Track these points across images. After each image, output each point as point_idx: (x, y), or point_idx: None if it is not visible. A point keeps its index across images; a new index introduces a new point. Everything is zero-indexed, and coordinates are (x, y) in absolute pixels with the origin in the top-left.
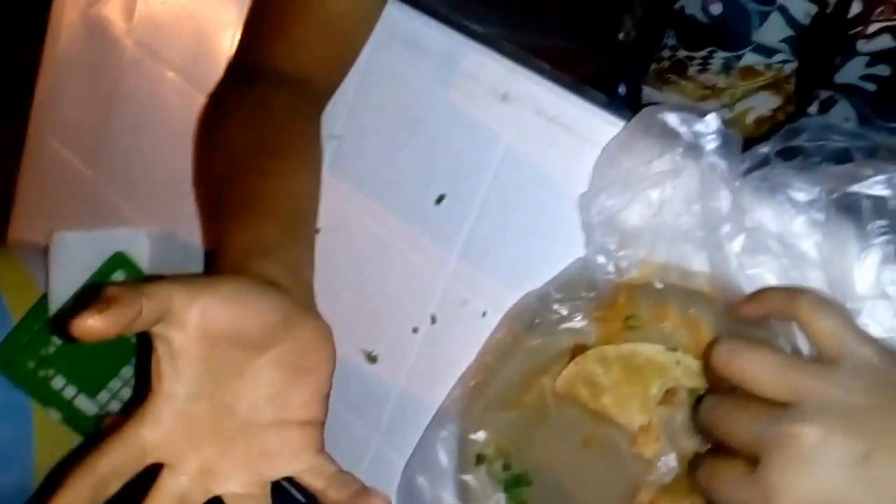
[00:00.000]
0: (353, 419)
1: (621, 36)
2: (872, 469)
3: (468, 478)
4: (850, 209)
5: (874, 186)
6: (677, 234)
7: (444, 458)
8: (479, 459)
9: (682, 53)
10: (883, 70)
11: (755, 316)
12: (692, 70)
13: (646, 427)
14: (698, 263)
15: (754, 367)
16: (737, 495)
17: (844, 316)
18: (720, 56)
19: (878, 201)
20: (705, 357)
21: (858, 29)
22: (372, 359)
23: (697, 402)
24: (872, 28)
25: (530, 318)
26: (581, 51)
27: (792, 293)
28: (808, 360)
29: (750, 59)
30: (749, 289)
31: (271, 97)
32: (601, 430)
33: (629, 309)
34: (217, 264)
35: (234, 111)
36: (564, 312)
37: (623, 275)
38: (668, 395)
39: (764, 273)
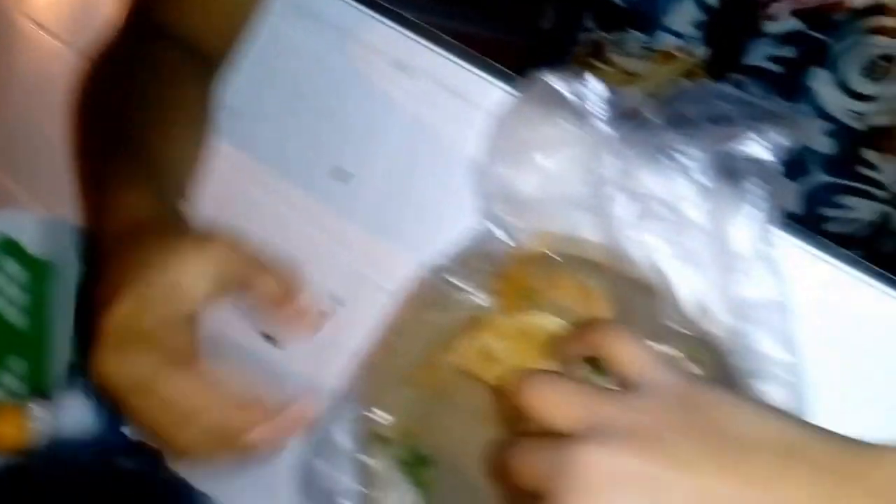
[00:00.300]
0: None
1: (542, 22)
2: (660, 491)
3: (369, 460)
4: (730, 171)
5: (751, 146)
6: (569, 203)
7: (344, 440)
8: (381, 440)
9: (598, 35)
10: (789, 52)
11: (576, 356)
12: (610, 53)
13: None
14: (591, 232)
15: (547, 399)
16: None
17: (642, 344)
18: (635, 38)
19: (757, 163)
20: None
21: (766, 11)
22: (271, 340)
23: None
24: (779, 10)
25: (429, 293)
26: (506, 39)
27: (587, 328)
28: (605, 390)
29: (664, 41)
30: (639, 255)
31: (160, 55)
32: (499, 405)
33: (525, 281)
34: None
35: (117, 68)
36: (462, 286)
37: (518, 245)
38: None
39: (653, 238)
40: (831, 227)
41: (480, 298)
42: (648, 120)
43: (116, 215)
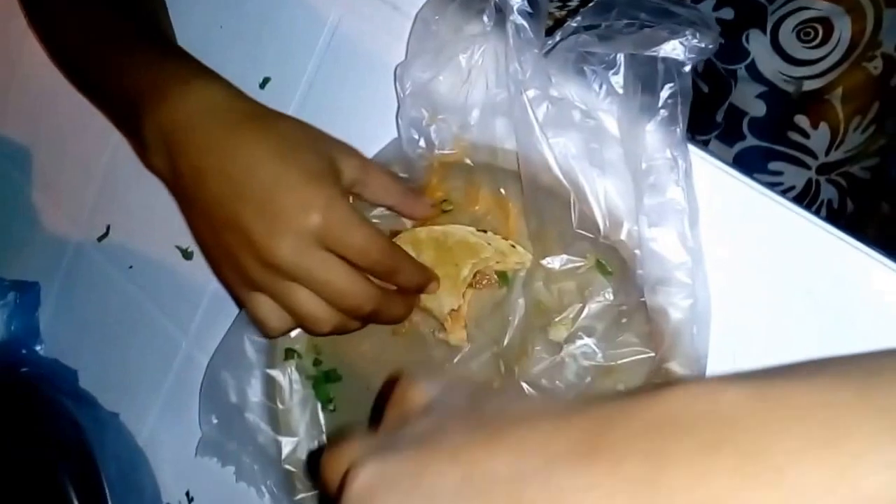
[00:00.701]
0: (165, 320)
1: None
2: (431, 483)
3: (275, 373)
4: (646, 75)
5: (669, 49)
6: (488, 107)
7: (251, 352)
8: (288, 354)
9: None
10: (727, 13)
11: None
12: None
13: (455, 312)
14: (509, 143)
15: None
16: None
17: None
18: None
19: (671, 64)
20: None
21: None
22: (187, 255)
23: None
24: None
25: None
26: None
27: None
28: None
29: None
30: (554, 161)
31: None
32: (411, 318)
33: (443, 191)
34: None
35: None
36: None
37: (434, 151)
38: (479, 278)
39: (565, 143)
40: None
41: None
42: (570, 25)
43: (184, 103)
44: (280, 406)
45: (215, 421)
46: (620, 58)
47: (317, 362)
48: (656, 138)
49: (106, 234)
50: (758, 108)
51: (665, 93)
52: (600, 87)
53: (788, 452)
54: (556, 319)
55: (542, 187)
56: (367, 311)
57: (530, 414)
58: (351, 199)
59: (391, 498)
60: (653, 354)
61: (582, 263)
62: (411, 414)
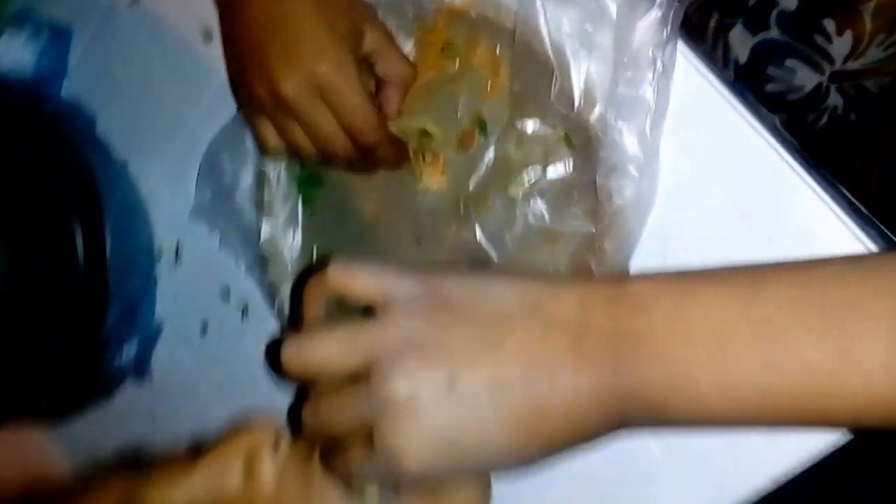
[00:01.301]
0: (179, 87)
1: None
2: (463, 390)
3: (267, 167)
4: None
5: None
6: None
7: (250, 142)
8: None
9: None
10: None
11: (313, 307)
12: None
13: (435, 163)
14: (513, 1)
15: (320, 353)
16: (367, 471)
17: (373, 264)
18: None
19: None
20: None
21: None
22: (208, 37)
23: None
24: None
25: None
26: None
27: (318, 276)
28: (367, 320)
29: None
30: (545, 29)
31: None
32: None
33: (447, 36)
34: None
35: None
36: (388, 25)
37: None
38: (465, 137)
39: (562, 17)
40: (769, 87)
41: (406, 44)
42: None
43: None
44: (266, 195)
45: (209, 194)
46: None
47: (304, 166)
48: (646, 34)
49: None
50: (790, 2)
51: None
52: None
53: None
54: (518, 177)
55: (531, 54)
56: (342, 160)
57: (511, 315)
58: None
59: (432, 408)
60: (592, 230)
61: (551, 132)
62: (378, 306)
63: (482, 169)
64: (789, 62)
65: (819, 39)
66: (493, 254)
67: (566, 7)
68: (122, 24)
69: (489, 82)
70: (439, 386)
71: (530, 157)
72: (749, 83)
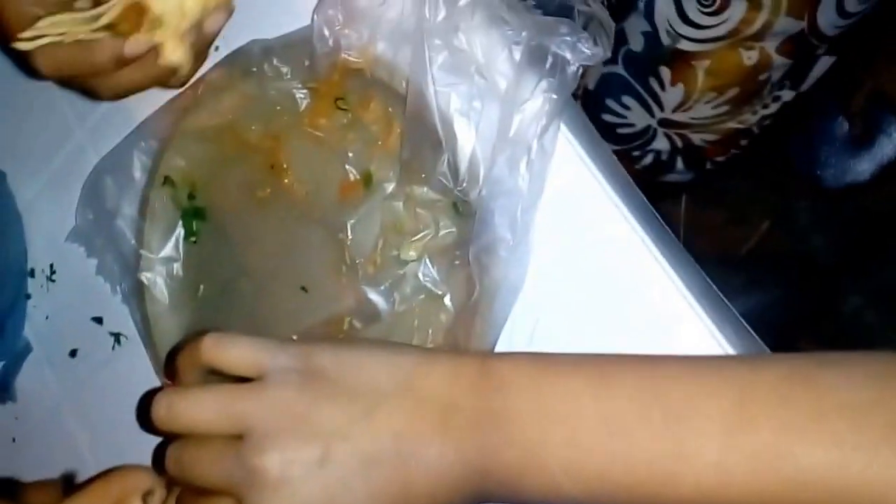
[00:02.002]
0: (66, 106)
1: None
2: (334, 464)
3: (152, 194)
4: (539, 57)
5: (561, 46)
6: (397, 31)
7: (137, 168)
8: (167, 181)
9: None
10: None
11: (187, 375)
12: None
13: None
14: (407, 66)
15: (191, 413)
16: None
17: (247, 338)
18: None
19: (560, 60)
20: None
21: None
22: None
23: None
24: None
25: (250, 65)
26: None
27: (192, 346)
28: (243, 387)
29: None
30: (434, 102)
31: None
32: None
33: (341, 89)
34: None
35: None
36: (283, 70)
37: (341, 52)
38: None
39: (452, 93)
40: (605, 116)
41: (298, 91)
42: None
43: None
44: (148, 224)
45: (90, 216)
46: (524, 33)
47: (190, 196)
48: (524, 120)
49: None
50: (637, 43)
51: (544, 84)
52: (502, 49)
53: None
54: (412, 239)
55: (422, 123)
56: None
57: (383, 390)
58: None
59: (299, 482)
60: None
61: (441, 199)
62: (255, 376)
63: (370, 224)
64: (626, 99)
65: (654, 84)
66: (382, 308)
67: (456, 83)
68: None
69: (380, 139)
70: (311, 460)
71: (420, 220)
72: (590, 109)
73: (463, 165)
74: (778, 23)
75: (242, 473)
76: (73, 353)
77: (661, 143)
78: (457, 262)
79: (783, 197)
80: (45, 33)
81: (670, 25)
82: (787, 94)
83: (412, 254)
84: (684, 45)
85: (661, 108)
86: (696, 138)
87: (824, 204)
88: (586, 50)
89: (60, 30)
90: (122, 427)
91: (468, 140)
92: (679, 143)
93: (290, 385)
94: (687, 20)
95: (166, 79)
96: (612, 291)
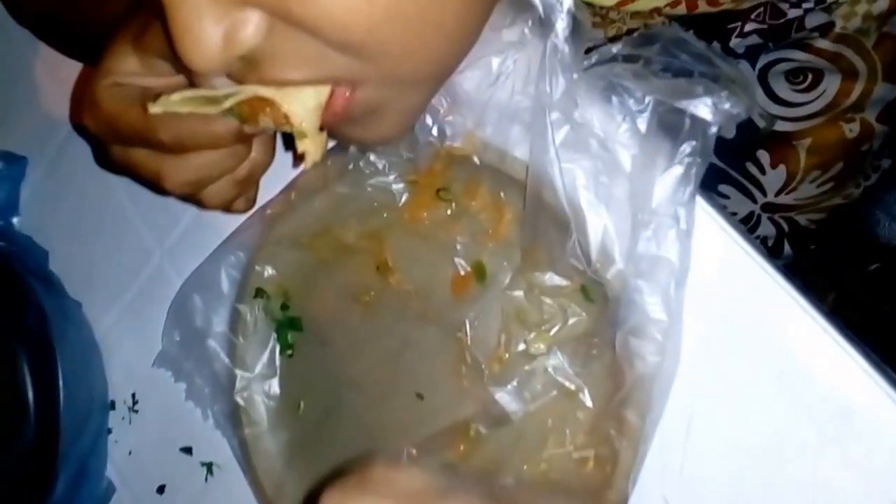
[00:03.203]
0: (144, 228)
1: None
2: None
3: (243, 308)
4: (671, 124)
5: (699, 107)
6: (507, 112)
7: (226, 283)
8: (259, 293)
9: None
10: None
11: None
12: None
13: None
14: (520, 150)
15: None
16: None
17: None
18: None
19: (698, 122)
20: None
21: (736, 25)
22: None
23: None
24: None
25: (345, 163)
26: None
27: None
28: None
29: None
30: (559, 182)
31: None
32: (375, 290)
33: (443, 179)
34: None
35: None
36: (380, 166)
37: (445, 141)
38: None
39: (576, 169)
40: None
41: (396, 185)
42: (608, 50)
43: None
44: (241, 340)
45: (177, 338)
46: (650, 99)
47: (284, 307)
48: (666, 189)
49: None
50: (728, 131)
51: (685, 148)
52: (623, 119)
53: None
54: (540, 331)
55: (543, 205)
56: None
57: None
58: None
59: None
60: (614, 388)
61: (568, 285)
62: None
63: (489, 319)
64: (723, 188)
65: (753, 169)
66: (513, 409)
67: (579, 158)
68: (81, 154)
69: (490, 228)
70: None
71: (546, 309)
72: None
73: (594, 245)
74: (876, 91)
75: None
76: (160, 490)
77: (766, 229)
78: (594, 352)
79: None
80: (173, 108)
81: (763, 108)
82: (886, 163)
83: (541, 346)
84: (781, 126)
85: (764, 192)
86: (803, 219)
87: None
88: (728, 108)
89: (188, 107)
90: None
91: (597, 218)
92: (785, 227)
93: None
94: (779, 100)
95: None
96: (781, 375)
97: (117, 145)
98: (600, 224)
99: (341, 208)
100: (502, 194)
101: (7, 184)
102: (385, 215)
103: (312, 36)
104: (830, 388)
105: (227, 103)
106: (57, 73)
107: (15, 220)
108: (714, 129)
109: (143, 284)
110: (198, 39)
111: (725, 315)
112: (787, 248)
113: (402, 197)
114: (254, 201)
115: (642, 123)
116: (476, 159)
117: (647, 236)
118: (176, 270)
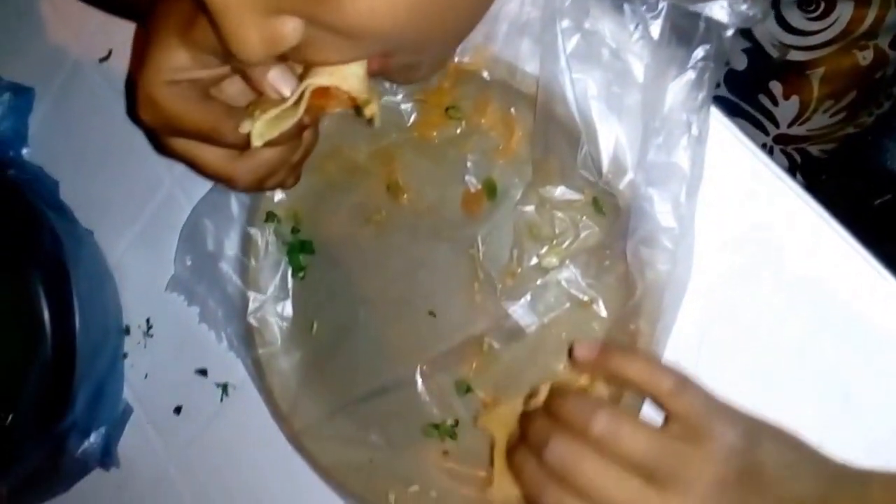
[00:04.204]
0: (153, 156)
1: None
2: None
3: (254, 231)
4: (684, 30)
5: (714, 9)
6: (517, 25)
7: (236, 206)
8: (270, 217)
9: None
10: None
11: (601, 368)
12: None
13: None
14: (530, 65)
15: (632, 436)
16: None
17: (704, 397)
18: None
19: (713, 25)
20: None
21: None
22: None
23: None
24: None
25: None
26: None
27: (652, 373)
28: (679, 441)
29: None
30: (570, 92)
31: None
32: (392, 211)
33: (452, 97)
34: None
35: None
36: (387, 86)
37: (454, 57)
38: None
39: (588, 80)
40: None
41: (405, 105)
42: None
43: None
44: (253, 263)
45: (189, 263)
46: (663, 4)
47: (294, 230)
48: (678, 97)
49: (107, 57)
50: (739, 62)
51: (699, 52)
52: (636, 27)
53: None
54: (552, 245)
55: (554, 118)
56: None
57: (805, 497)
58: None
59: None
60: (627, 299)
61: (579, 198)
62: (704, 444)
63: (501, 234)
64: (735, 121)
65: (765, 101)
66: (526, 323)
67: (590, 68)
68: (88, 83)
69: (500, 144)
70: None
71: (557, 223)
72: None
73: (606, 156)
74: (889, 17)
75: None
76: (177, 411)
77: (778, 161)
78: (606, 263)
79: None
80: (264, 131)
81: (775, 38)
82: None
83: (553, 260)
84: (794, 56)
85: (776, 124)
86: (815, 150)
87: None
88: (745, 10)
89: (274, 127)
90: (234, 486)
91: (609, 129)
92: (798, 159)
93: (732, 470)
94: (792, 29)
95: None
96: (794, 283)
97: (178, 139)
98: (612, 135)
99: (349, 130)
100: (512, 110)
101: (15, 115)
102: (394, 135)
103: (343, 36)
104: (846, 294)
105: (301, 108)
106: (63, 6)
107: (24, 151)
108: (730, 32)
109: (154, 211)
110: (244, 42)
111: (740, 224)
112: (798, 180)
113: (410, 117)
114: (300, 177)
115: (655, 30)
116: (485, 74)
117: (658, 144)
118: (186, 196)
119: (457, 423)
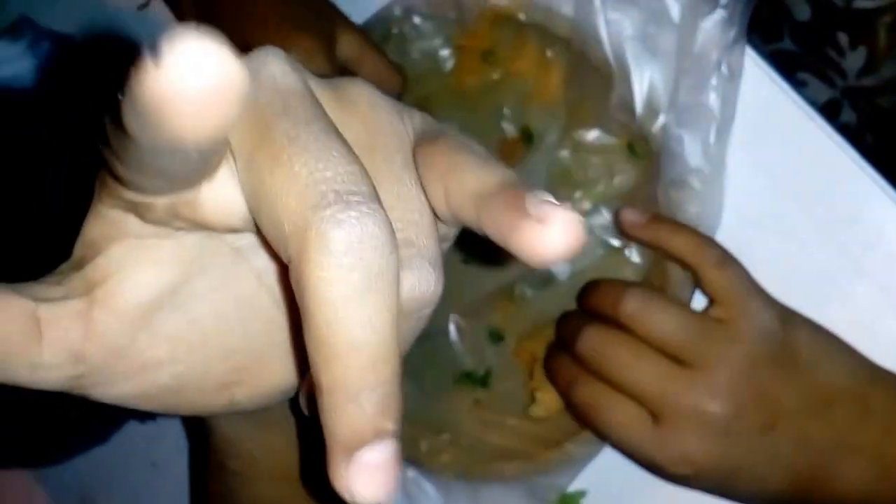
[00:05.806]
0: None
1: None
2: (776, 438)
3: None
4: None
5: None
6: None
7: None
8: None
9: None
10: None
11: (645, 240)
12: None
13: None
14: (565, 4)
15: (663, 314)
16: (638, 444)
17: (745, 276)
18: None
19: None
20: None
21: None
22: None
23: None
24: None
25: (390, 27)
26: None
27: (698, 244)
28: (710, 321)
29: None
30: (605, 35)
31: None
32: None
33: (489, 41)
34: None
35: None
36: (425, 30)
37: (490, 1)
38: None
39: (624, 20)
40: None
41: (440, 49)
42: None
43: None
44: None
45: None
46: None
47: None
48: (710, 35)
49: (146, 5)
50: (803, 13)
51: None
52: None
53: None
54: (586, 189)
55: (588, 59)
56: None
57: (840, 393)
58: None
59: (734, 445)
60: None
61: (614, 142)
62: (737, 325)
63: (536, 180)
64: (801, 74)
65: (832, 52)
66: (559, 270)
67: (626, 8)
68: (127, 31)
69: (537, 89)
70: (755, 426)
71: (590, 168)
72: None
73: (640, 98)
74: None
75: (683, 402)
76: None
77: (847, 116)
78: (640, 206)
79: None
80: None
81: None
82: None
83: (587, 205)
84: (860, 4)
85: (844, 76)
86: (886, 102)
87: None
88: None
89: None
90: None
91: (644, 69)
92: (869, 112)
93: (764, 350)
94: None
95: None
96: (826, 222)
97: None
98: (646, 77)
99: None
100: (549, 53)
101: (56, 62)
102: (432, 82)
103: None
104: (878, 236)
105: None
106: None
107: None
108: None
109: None
110: None
111: (773, 166)
112: (868, 137)
113: (447, 63)
114: None
115: None
116: (522, 16)
117: (689, 84)
118: None
119: (489, 371)
